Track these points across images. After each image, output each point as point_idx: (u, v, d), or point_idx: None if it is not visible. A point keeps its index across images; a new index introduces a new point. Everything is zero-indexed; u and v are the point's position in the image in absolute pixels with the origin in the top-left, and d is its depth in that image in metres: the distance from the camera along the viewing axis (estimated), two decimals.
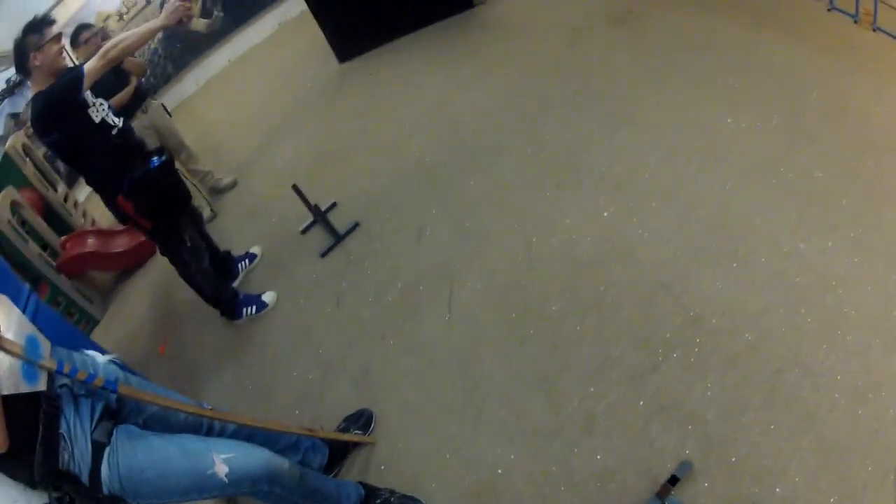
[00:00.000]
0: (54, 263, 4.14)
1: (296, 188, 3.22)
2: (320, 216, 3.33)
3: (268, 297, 3.16)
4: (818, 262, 2.04)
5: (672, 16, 3.88)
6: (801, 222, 2.19)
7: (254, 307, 3.12)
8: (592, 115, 3.26)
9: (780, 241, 2.17)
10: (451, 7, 5.11)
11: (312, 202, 3.30)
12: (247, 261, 3.55)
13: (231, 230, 4.06)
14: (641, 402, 1.88)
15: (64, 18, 6.27)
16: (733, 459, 1.65)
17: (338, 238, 3.30)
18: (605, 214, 2.62)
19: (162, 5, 3.12)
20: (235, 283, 3.39)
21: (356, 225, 3.34)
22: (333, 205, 3.58)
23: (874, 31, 4.99)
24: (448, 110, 3.96)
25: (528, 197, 2.91)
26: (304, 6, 5.39)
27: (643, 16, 4.02)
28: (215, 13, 7.93)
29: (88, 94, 2.48)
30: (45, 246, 4.30)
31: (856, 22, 4.88)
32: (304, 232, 3.53)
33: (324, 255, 3.27)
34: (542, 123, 3.38)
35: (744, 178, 2.48)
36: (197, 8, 7.69)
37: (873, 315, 1.84)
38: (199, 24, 7.84)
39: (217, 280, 3.15)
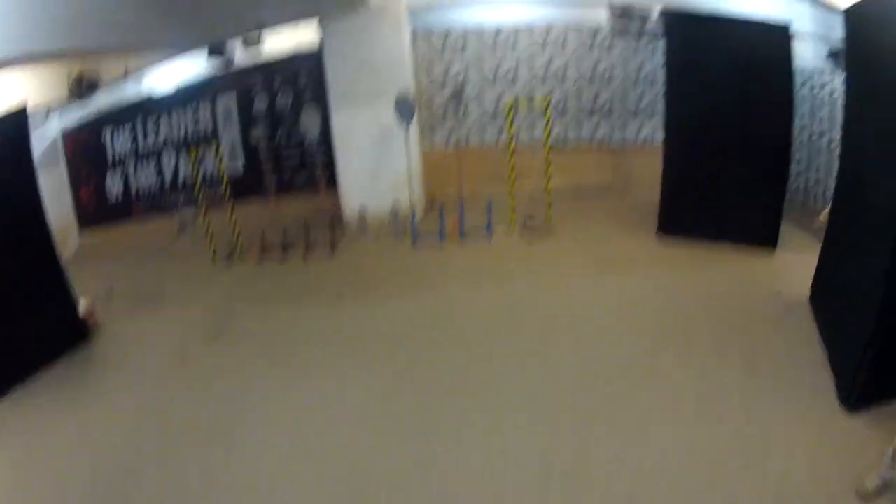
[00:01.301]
0: None
1: None
2: None
3: None
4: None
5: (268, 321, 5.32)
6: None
7: None
8: (199, 440, 3.99)
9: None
10: (67, 341, 5.22)
11: None
12: None
13: None
14: None
15: None
16: None
17: None
18: None
19: None
20: None
21: None
22: None
23: (461, 237, 6.74)
24: (78, 459, 3.97)
25: None
26: None
27: (244, 318, 5.35)
28: None
29: None
30: None
31: (442, 241, 6.73)
32: None
33: None
34: (169, 459, 3.86)
35: (358, 431, 3.79)
36: None
37: None
38: None
39: None
